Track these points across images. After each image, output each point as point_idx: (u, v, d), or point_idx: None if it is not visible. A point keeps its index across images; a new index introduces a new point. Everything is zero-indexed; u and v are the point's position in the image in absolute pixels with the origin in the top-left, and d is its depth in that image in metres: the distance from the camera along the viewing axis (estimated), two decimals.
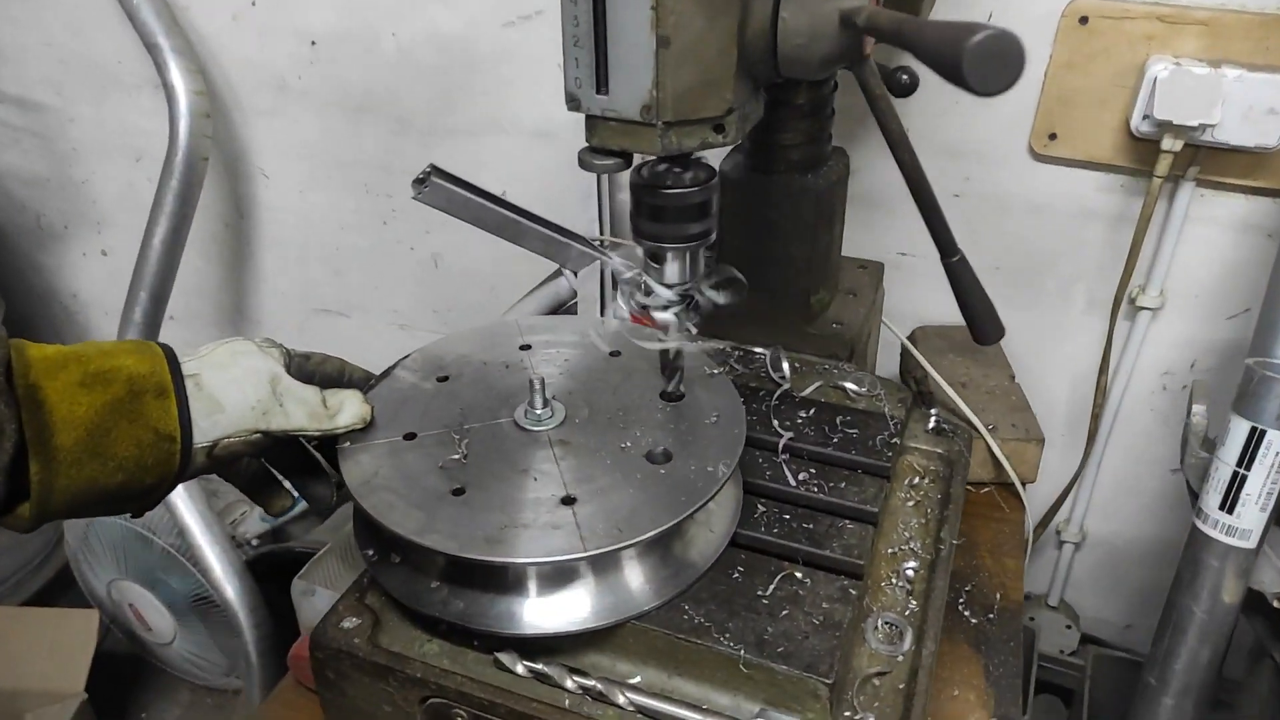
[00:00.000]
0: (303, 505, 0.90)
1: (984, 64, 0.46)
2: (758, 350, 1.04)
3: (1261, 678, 1.14)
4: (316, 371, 0.84)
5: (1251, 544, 1.00)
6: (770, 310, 1.04)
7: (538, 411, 0.83)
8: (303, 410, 0.78)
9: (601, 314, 1.26)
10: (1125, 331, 1.40)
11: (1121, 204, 1.34)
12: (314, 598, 0.96)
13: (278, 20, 1.62)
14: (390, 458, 0.80)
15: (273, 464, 0.86)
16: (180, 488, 1.45)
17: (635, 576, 0.76)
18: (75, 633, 1.89)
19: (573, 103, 0.68)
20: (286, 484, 0.88)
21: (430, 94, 1.60)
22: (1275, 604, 1.03)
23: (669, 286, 0.78)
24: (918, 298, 1.47)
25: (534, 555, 0.69)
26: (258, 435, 0.76)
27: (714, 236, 0.76)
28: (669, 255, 0.76)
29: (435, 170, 1.20)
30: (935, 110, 1.35)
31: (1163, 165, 1.21)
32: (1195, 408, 1.05)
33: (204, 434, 0.73)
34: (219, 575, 1.69)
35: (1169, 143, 1.19)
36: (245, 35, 1.65)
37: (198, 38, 1.66)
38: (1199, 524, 1.03)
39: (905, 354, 1.32)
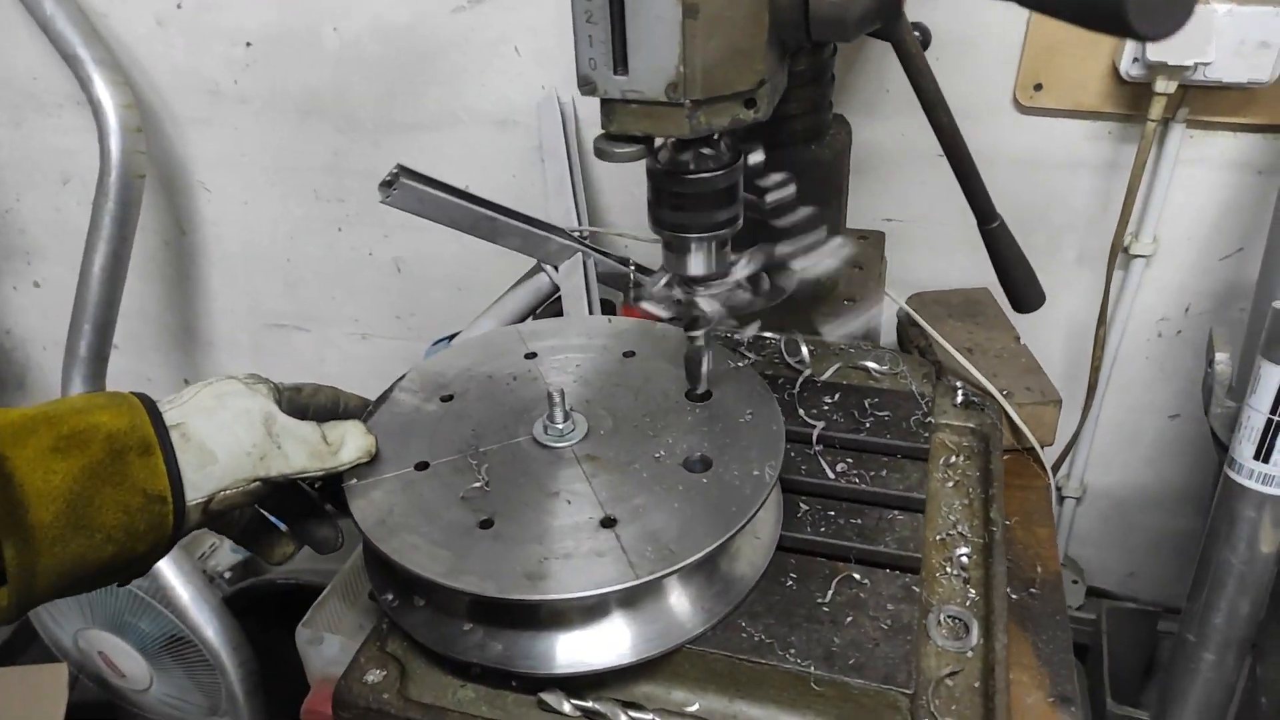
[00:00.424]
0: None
1: (1152, 3, 0.40)
2: (769, 335, 0.99)
3: None
4: (309, 404, 0.77)
5: None
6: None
7: (559, 426, 0.76)
8: (303, 450, 0.70)
9: (590, 310, 1.19)
10: (1120, 280, 1.37)
11: (1111, 151, 1.31)
12: (322, 646, 0.89)
13: (206, 22, 1.51)
14: (404, 492, 0.73)
15: (269, 509, 0.78)
16: None
17: (684, 597, 0.70)
18: (44, 689, 1.78)
19: (586, 86, 0.61)
20: (284, 529, 0.81)
21: (379, 89, 1.50)
22: None
23: (695, 280, 0.71)
24: (909, 264, 1.42)
25: (583, 589, 0.63)
26: (256, 484, 0.68)
27: (740, 223, 0.70)
28: (692, 246, 0.70)
29: (403, 170, 1.12)
30: None
31: (1156, 108, 1.18)
32: (1218, 355, 1.02)
33: (197, 489, 0.65)
34: (196, 616, 1.60)
35: (1162, 85, 1.16)
36: (172, 40, 1.53)
37: (120, 46, 1.54)
38: (1233, 474, 1.00)
39: (904, 324, 1.27)
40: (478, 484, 0.72)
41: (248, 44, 1.51)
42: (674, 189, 0.67)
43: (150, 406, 0.65)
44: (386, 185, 1.10)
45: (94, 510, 0.59)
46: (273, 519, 0.79)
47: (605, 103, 0.62)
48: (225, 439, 0.66)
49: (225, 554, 1.88)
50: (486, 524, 0.69)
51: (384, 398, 0.83)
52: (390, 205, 1.11)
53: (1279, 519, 0.99)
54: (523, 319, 1.31)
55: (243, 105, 1.58)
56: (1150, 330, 1.43)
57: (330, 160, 1.60)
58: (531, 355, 0.88)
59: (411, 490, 0.73)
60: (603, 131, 0.63)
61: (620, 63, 0.59)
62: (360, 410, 0.79)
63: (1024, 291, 0.79)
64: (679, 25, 0.56)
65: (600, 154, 0.63)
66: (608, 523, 0.68)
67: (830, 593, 0.72)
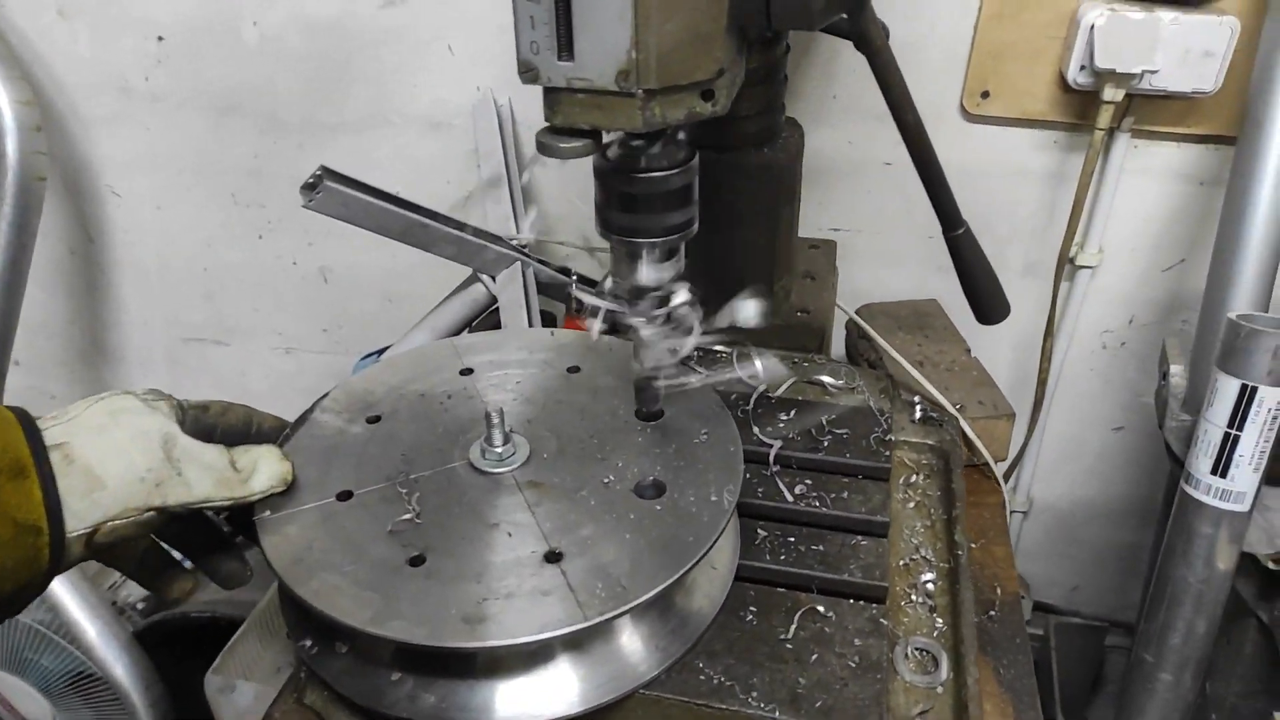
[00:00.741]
0: None
1: None
2: (720, 349, 0.94)
3: (1246, 637, 1.11)
4: (218, 425, 0.69)
5: (1245, 506, 0.96)
6: (728, 302, 0.93)
7: (498, 449, 0.70)
8: (208, 477, 0.63)
9: (531, 322, 1.12)
10: (1065, 292, 1.36)
11: (1057, 160, 1.29)
12: (234, 694, 0.80)
13: (114, 12, 1.41)
14: (324, 525, 0.65)
15: (169, 541, 0.70)
16: None
17: (636, 637, 0.64)
18: None
19: (528, 73, 0.54)
20: (187, 564, 0.73)
21: (303, 87, 1.42)
22: (1271, 565, 0.99)
23: (644, 290, 0.66)
24: (854, 275, 1.39)
25: (527, 633, 0.57)
26: (150, 513, 0.60)
27: (695, 228, 0.65)
28: (643, 252, 0.64)
29: (327, 173, 1.04)
30: (864, 72, 1.26)
31: (1104, 117, 1.16)
32: (1173, 368, 1.00)
33: (80, 519, 0.57)
34: (104, 652, 1.48)
35: (1110, 92, 1.14)
36: (76, 32, 1.43)
37: (19, 38, 1.43)
38: (1189, 490, 0.98)
39: (854, 336, 1.23)
40: (408, 515, 0.65)
41: (160, 38, 1.41)
42: (624, 189, 0.62)
43: (27, 423, 0.57)
44: (309, 188, 1.02)
45: None
46: (172, 551, 0.71)
47: (549, 92, 0.56)
48: (116, 463, 0.59)
49: (137, 585, 1.76)
50: (417, 561, 0.62)
51: (303, 419, 0.75)
52: (314, 210, 1.03)
53: (1236, 535, 0.97)
54: (458, 332, 1.24)
55: (155, 103, 1.48)
56: (1095, 342, 1.42)
57: (250, 163, 1.51)
58: (467, 371, 0.81)
59: (332, 523, 0.65)
60: (546, 124, 0.57)
61: (565, 47, 0.53)
62: (276, 433, 0.72)
63: (989, 302, 0.75)
64: (631, 4, 0.51)
65: (544, 149, 0.57)
66: (553, 557, 0.62)
67: (794, 627, 0.67)
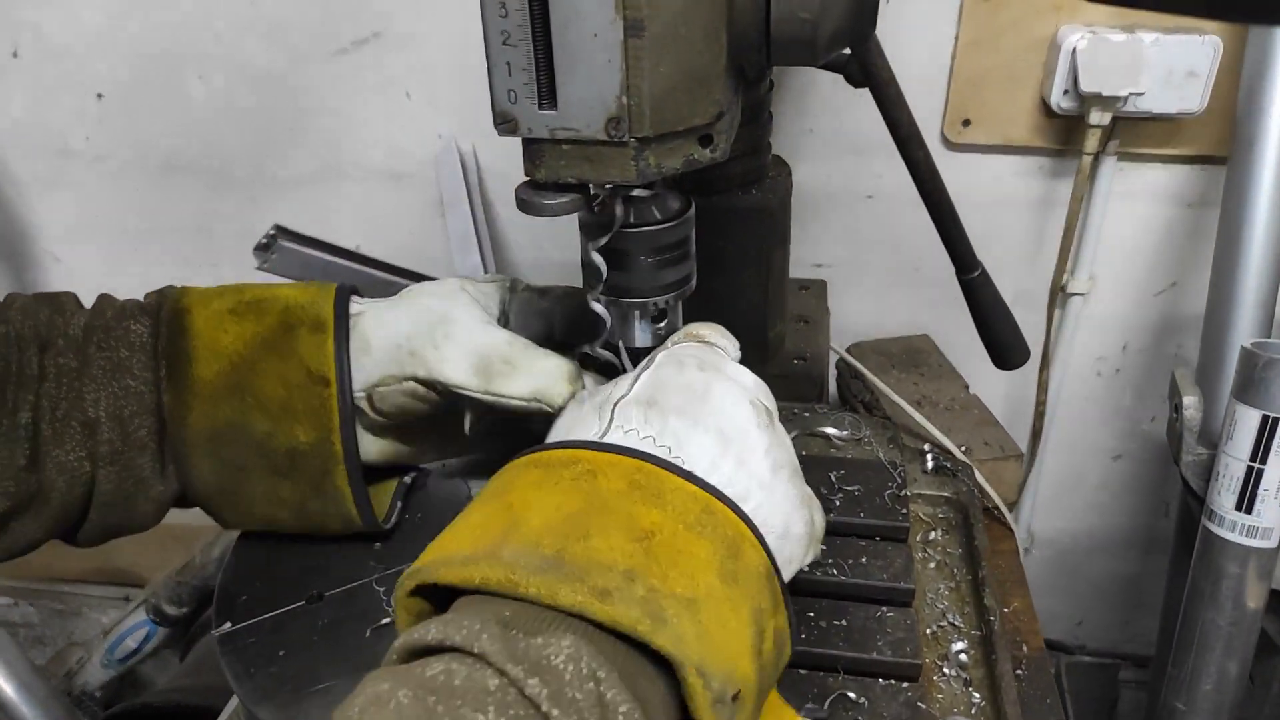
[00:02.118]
0: None
1: None
2: None
3: (1274, 675, 1.06)
4: (557, 309, 0.65)
5: (1273, 542, 0.91)
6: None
7: None
8: (465, 361, 0.57)
9: None
10: (1058, 320, 1.32)
11: (1043, 187, 1.25)
12: None
13: (49, 71, 1.33)
14: (297, 629, 0.58)
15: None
16: None
17: None
18: None
19: (505, 124, 0.48)
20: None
21: (252, 141, 1.35)
22: None
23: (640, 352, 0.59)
24: (841, 312, 1.34)
25: None
26: (410, 383, 0.58)
27: (693, 284, 0.59)
28: (636, 313, 0.58)
29: (281, 231, 0.97)
30: (839, 103, 1.22)
31: (1091, 141, 1.13)
32: (1186, 399, 0.96)
33: (357, 381, 0.60)
34: None
35: (1096, 116, 1.11)
36: (10, 92, 1.35)
37: None
38: (1213, 527, 0.93)
39: (845, 376, 1.18)
40: (387, 619, 0.58)
41: (99, 95, 1.34)
42: (615, 245, 0.55)
43: (343, 291, 0.61)
44: (263, 249, 0.95)
45: (254, 376, 0.57)
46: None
47: (530, 143, 0.49)
48: (385, 330, 0.60)
49: (95, 670, 1.66)
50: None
51: None
52: (268, 271, 0.96)
53: (1265, 571, 0.92)
54: None
55: (97, 164, 1.40)
56: (1089, 370, 1.38)
57: (200, 221, 1.44)
58: None
59: (306, 627, 0.58)
60: (526, 179, 0.51)
61: (547, 94, 0.47)
62: (578, 359, 0.62)
63: (1008, 347, 0.70)
64: (620, 46, 0.45)
65: (525, 207, 0.51)
66: None
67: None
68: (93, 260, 1.50)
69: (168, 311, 0.59)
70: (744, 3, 0.48)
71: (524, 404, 0.57)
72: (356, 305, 0.62)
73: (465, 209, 1.26)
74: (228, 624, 0.58)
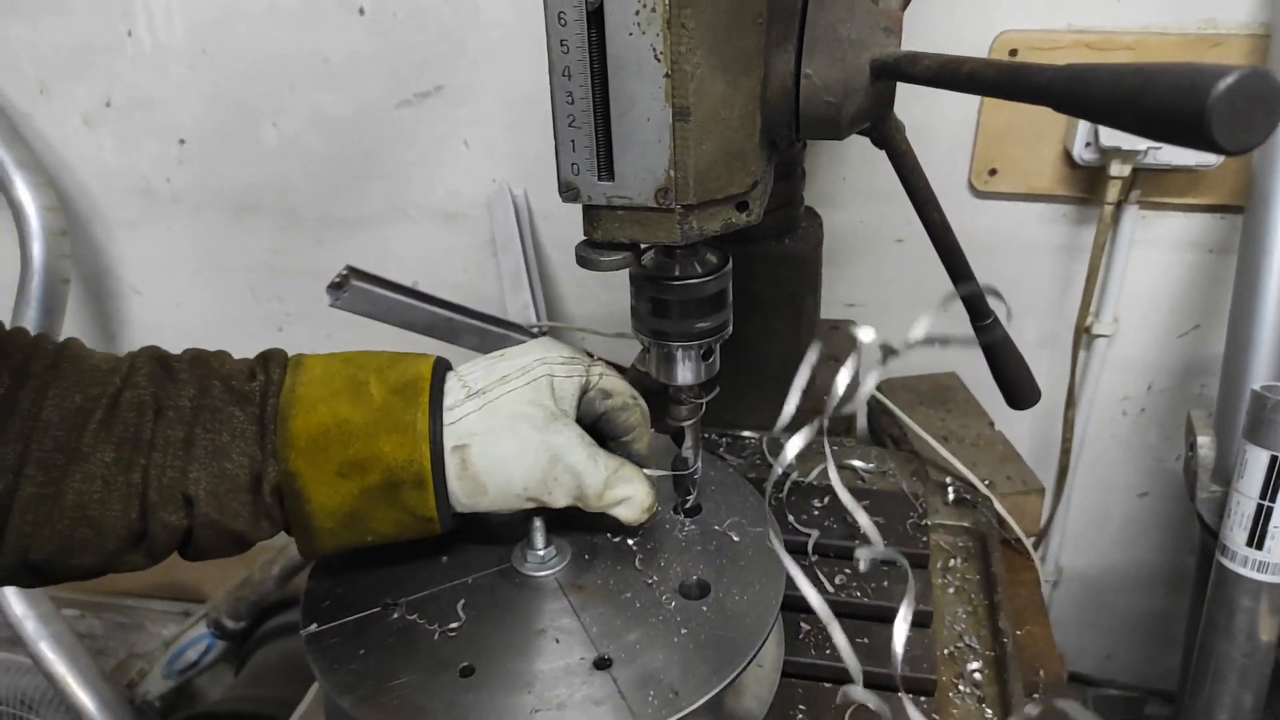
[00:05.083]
0: None
1: (1236, 114, 0.36)
2: (747, 434, 0.94)
3: None
4: (607, 413, 0.71)
5: None
6: (755, 390, 0.94)
7: (539, 552, 0.70)
8: (570, 496, 0.67)
9: None
10: (1083, 361, 1.37)
11: (1066, 234, 1.31)
12: None
13: (138, 120, 1.44)
14: (371, 635, 0.65)
15: None
16: (53, 650, 1.44)
17: None
18: None
19: (569, 192, 0.56)
20: None
21: (321, 185, 1.45)
22: None
23: (682, 389, 0.67)
24: (871, 350, 1.40)
25: None
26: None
27: (730, 329, 0.66)
28: (680, 354, 0.65)
29: (353, 272, 1.05)
30: (871, 156, 1.28)
31: (1112, 191, 1.19)
32: (1200, 439, 1.00)
33: (464, 507, 0.67)
34: None
35: (1117, 168, 1.17)
36: (101, 140, 1.47)
37: (44, 146, 1.47)
38: (1226, 563, 0.97)
39: (875, 412, 1.24)
40: (455, 625, 0.65)
41: (181, 141, 1.45)
42: (661, 295, 0.63)
43: (435, 429, 0.64)
44: (336, 288, 1.03)
45: (367, 520, 0.65)
46: None
47: (589, 209, 0.57)
48: (499, 475, 0.65)
49: (156, 680, 1.74)
50: (467, 671, 0.61)
51: None
52: (341, 308, 1.04)
53: (1277, 606, 0.96)
54: None
55: (176, 204, 1.51)
56: (1115, 409, 1.42)
57: (269, 258, 1.54)
58: None
59: (379, 632, 0.65)
60: (585, 239, 0.59)
61: (605, 168, 0.55)
62: (646, 458, 0.73)
63: (1020, 389, 0.76)
64: (669, 128, 0.52)
65: (584, 263, 0.58)
66: (602, 664, 0.61)
67: None
68: (168, 293, 1.61)
69: (279, 474, 0.63)
70: (776, 89, 0.56)
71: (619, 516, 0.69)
72: (454, 430, 0.65)
73: (517, 248, 1.34)
74: (314, 625, 0.66)
